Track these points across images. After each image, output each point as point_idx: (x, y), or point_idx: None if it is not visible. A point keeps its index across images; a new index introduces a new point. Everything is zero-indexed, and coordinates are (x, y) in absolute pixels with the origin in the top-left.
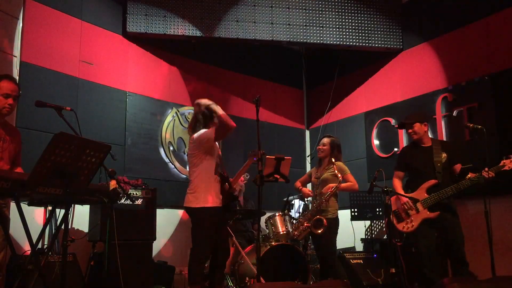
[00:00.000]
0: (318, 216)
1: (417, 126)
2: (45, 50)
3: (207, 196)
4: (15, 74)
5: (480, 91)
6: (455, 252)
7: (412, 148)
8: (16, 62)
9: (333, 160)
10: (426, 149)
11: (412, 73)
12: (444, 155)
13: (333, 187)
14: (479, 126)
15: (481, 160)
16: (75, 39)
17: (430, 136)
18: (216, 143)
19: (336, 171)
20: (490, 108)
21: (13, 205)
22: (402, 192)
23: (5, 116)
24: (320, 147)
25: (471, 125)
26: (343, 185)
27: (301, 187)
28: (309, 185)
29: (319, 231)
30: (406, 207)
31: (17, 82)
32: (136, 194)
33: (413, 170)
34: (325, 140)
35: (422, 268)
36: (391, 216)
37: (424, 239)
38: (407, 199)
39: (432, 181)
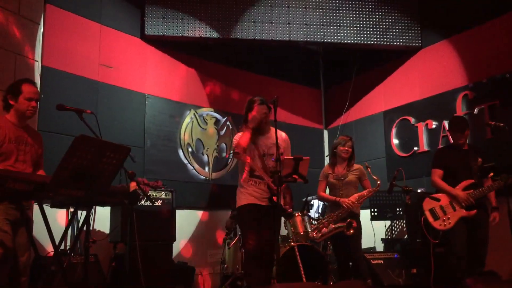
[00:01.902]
0: (349, 220)
1: (467, 132)
2: (65, 54)
3: (244, 195)
4: (37, 78)
5: (501, 88)
6: (479, 251)
7: (450, 150)
8: (37, 67)
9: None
10: (463, 152)
11: (431, 71)
12: (480, 160)
13: (359, 197)
14: (501, 124)
15: (503, 158)
16: (94, 43)
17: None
18: (260, 143)
19: (359, 174)
20: (511, 105)
21: (36, 207)
22: (454, 190)
23: (28, 118)
24: (347, 148)
25: (493, 122)
26: (368, 196)
27: (337, 198)
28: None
29: (350, 232)
30: (466, 204)
31: (37, 85)
32: (156, 195)
33: (450, 170)
34: (351, 142)
35: (453, 267)
36: (427, 213)
37: (460, 238)
38: (467, 195)
39: (469, 181)
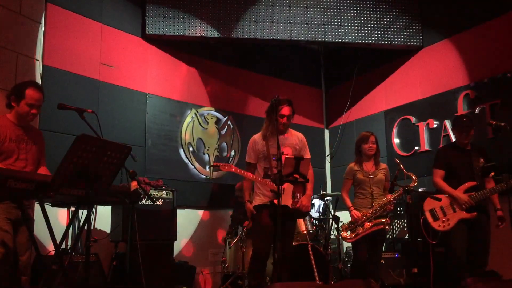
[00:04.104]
0: (388, 219)
1: (472, 131)
2: (66, 53)
3: (259, 196)
4: (38, 78)
5: (502, 87)
6: (480, 252)
7: (453, 149)
8: (38, 66)
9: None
10: (466, 152)
11: (432, 71)
12: (482, 160)
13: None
14: (502, 123)
15: (504, 157)
16: (95, 42)
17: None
18: (269, 144)
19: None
20: None
21: (37, 206)
22: (455, 191)
23: (28, 122)
24: (370, 144)
25: (494, 122)
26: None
27: (351, 207)
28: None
29: (387, 229)
30: (466, 206)
31: (42, 88)
32: (157, 194)
33: (452, 170)
34: (373, 137)
35: (453, 267)
36: (427, 214)
37: (460, 240)
38: (467, 197)
39: (472, 183)
